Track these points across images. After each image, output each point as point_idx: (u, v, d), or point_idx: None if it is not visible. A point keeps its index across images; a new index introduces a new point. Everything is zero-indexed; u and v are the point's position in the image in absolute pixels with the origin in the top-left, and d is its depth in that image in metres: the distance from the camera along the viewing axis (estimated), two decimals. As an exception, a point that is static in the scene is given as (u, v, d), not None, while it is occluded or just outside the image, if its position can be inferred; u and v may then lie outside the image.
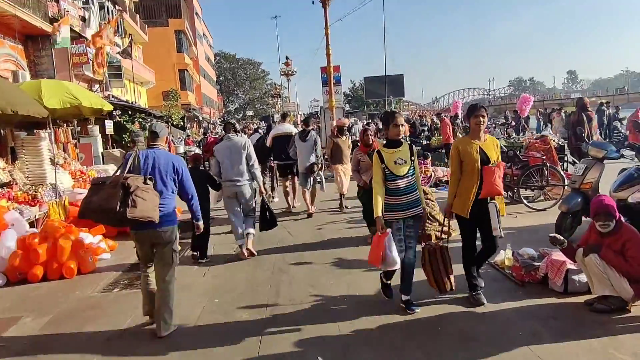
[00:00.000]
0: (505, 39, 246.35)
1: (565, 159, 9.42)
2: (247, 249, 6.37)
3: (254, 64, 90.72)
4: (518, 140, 10.95)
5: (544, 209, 7.89)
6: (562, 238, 4.19)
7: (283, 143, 9.28)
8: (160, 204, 4.03)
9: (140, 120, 16.67)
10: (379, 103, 63.08)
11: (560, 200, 6.75)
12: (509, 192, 8.57)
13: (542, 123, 24.58)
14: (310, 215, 8.88)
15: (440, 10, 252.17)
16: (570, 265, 4.30)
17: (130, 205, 3.78)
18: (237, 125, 7.33)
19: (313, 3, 15.10)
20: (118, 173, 4.21)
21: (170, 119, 20.47)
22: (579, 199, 5.90)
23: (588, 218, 5.65)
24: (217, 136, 15.26)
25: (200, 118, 47.60)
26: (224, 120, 67.92)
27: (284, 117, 11.10)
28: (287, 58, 35.57)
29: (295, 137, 9.03)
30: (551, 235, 4.27)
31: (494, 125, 28.91)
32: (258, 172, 6.48)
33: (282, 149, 9.26)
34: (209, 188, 6.53)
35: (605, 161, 6.04)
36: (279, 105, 63.61)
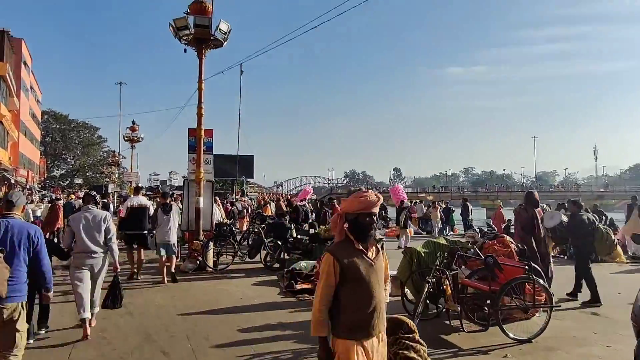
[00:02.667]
0: (343, 134, 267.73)
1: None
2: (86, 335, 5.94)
3: (90, 128, 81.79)
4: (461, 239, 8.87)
5: (530, 340, 5.64)
6: None
7: (138, 214, 9.95)
8: (10, 277, 3.80)
9: None
10: (225, 182, 60.19)
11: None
12: (475, 317, 6.16)
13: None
14: (165, 281, 9.36)
15: (288, 97, 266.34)
16: None
17: None
18: (97, 197, 6.96)
19: (185, 51, 12.16)
20: None
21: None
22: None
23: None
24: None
25: (13, 181, 39.27)
26: (46, 186, 58.44)
27: (137, 190, 11.32)
28: (133, 122, 31.17)
29: (158, 211, 9.70)
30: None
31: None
32: (115, 246, 6.37)
33: (137, 220, 9.92)
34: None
35: None
36: (116, 175, 56.83)
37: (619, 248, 13.82)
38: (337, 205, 11.62)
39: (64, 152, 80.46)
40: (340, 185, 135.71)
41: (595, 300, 7.77)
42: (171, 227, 9.59)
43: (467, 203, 21.95)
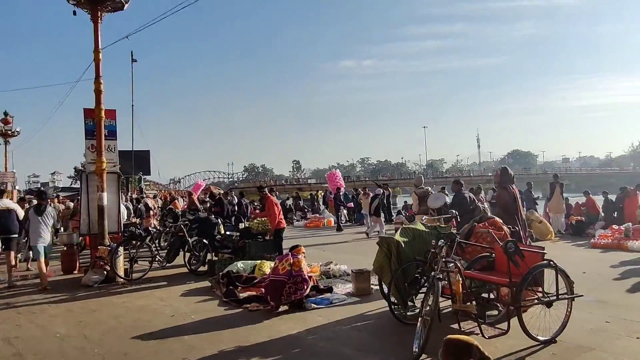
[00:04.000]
0: (242, 128, 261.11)
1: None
2: None
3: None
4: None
5: (554, 339, 4.70)
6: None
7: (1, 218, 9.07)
8: None
9: None
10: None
11: None
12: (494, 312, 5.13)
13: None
14: (45, 288, 8.48)
15: (183, 89, 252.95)
16: None
17: None
18: None
19: (74, 13, 9.88)
20: None
21: None
22: None
23: None
24: None
25: None
26: None
27: (1, 193, 9.92)
28: (5, 114, 26.83)
29: (30, 211, 9.36)
30: None
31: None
32: None
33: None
34: None
35: None
36: (-15, 177, 49.76)
37: (549, 226, 13.85)
38: (269, 195, 10.06)
39: None
40: (241, 179, 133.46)
41: None
42: (44, 227, 9.08)
43: (389, 189, 21.45)
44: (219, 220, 10.52)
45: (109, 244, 9.31)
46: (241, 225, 10.75)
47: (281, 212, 9.85)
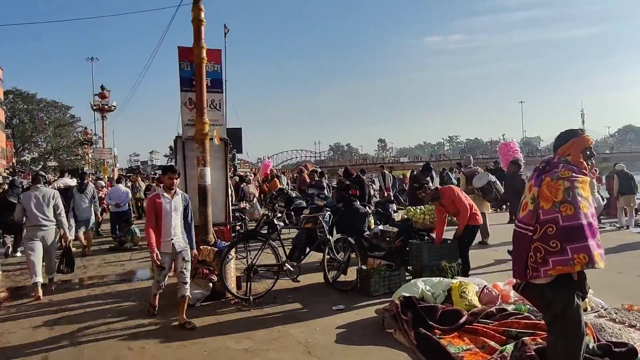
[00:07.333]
0: (327, 108, 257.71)
1: None
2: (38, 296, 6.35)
3: (60, 107, 74.38)
4: None
5: None
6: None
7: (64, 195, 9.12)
8: None
9: None
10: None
11: None
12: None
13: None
14: (85, 254, 9.62)
15: (277, 73, 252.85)
16: None
17: None
18: (46, 177, 9.18)
19: None
20: None
21: None
22: None
23: None
24: None
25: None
26: (15, 170, 52.28)
27: (62, 172, 12.48)
28: (102, 88, 25.64)
29: (74, 189, 10.06)
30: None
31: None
32: (64, 220, 7.03)
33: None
34: None
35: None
36: (90, 155, 50.90)
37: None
38: (445, 189, 6.68)
39: (33, 135, 73.36)
40: (325, 158, 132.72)
41: None
42: (87, 204, 9.95)
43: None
44: (367, 209, 7.32)
45: (214, 241, 6.45)
46: (396, 216, 7.46)
47: (472, 204, 6.45)
